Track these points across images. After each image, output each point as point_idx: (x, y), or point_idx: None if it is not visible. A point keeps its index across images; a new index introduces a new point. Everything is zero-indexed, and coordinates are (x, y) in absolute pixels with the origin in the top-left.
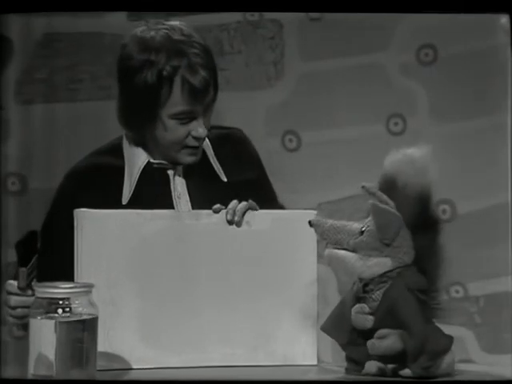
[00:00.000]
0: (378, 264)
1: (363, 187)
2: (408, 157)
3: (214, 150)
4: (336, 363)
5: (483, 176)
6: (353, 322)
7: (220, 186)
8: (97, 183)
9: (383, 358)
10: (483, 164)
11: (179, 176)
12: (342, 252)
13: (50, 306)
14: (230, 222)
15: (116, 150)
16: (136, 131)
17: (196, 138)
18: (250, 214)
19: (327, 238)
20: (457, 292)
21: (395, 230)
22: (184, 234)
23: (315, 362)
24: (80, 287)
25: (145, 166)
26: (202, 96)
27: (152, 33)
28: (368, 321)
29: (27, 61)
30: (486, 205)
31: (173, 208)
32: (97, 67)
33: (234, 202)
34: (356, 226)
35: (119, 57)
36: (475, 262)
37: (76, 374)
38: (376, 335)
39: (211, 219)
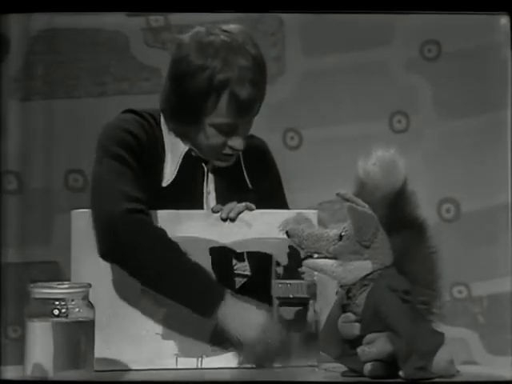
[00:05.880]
0: (359, 268)
1: (338, 194)
2: (376, 160)
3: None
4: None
5: (487, 175)
6: (341, 333)
7: (243, 191)
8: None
9: (377, 362)
10: (486, 162)
11: (212, 173)
12: (321, 261)
13: (47, 306)
14: (224, 220)
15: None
16: (179, 128)
17: (232, 148)
18: (251, 214)
19: (306, 247)
20: (460, 292)
21: (373, 230)
22: (184, 234)
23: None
24: (76, 287)
25: (185, 154)
26: (247, 111)
27: (211, 37)
28: (355, 328)
29: (24, 58)
30: (491, 204)
31: (199, 201)
32: (94, 63)
33: (233, 202)
34: (334, 232)
35: (174, 56)
36: (479, 262)
37: (73, 375)
38: (364, 341)
39: (210, 219)
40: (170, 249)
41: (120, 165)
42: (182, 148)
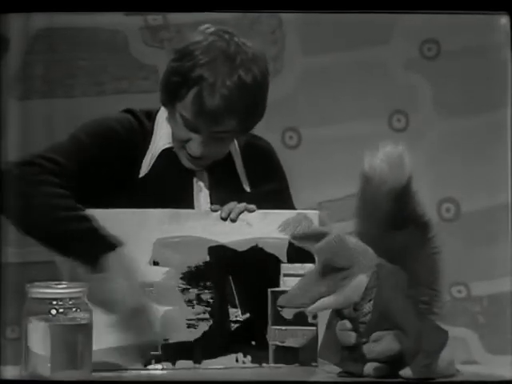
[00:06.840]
0: (356, 286)
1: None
2: (384, 155)
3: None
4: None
5: (487, 174)
6: (339, 339)
7: (240, 191)
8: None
9: (382, 361)
10: (486, 162)
11: (206, 171)
12: (323, 301)
13: (44, 306)
14: (224, 219)
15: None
16: (166, 106)
17: (190, 151)
18: (251, 214)
19: (300, 306)
20: (460, 292)
21: (343, 249)
22: (183, 233)
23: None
24: (74, 287)
25: (170, 148)
26: (211, 120)
27: (215, 37)
28: (351, 337)
29: (23, 57)
30: (491, 204)
31: (189, 198)
32: (93, 62)
33: (233, 202)
34: (313, 274)
35: (185, 36)
36: (479, 262)
37: (71, 375)
38: (372, 338)
39: (209, 219)
40: (57, 197)
41: (71, 142)
42: (163, 143)
